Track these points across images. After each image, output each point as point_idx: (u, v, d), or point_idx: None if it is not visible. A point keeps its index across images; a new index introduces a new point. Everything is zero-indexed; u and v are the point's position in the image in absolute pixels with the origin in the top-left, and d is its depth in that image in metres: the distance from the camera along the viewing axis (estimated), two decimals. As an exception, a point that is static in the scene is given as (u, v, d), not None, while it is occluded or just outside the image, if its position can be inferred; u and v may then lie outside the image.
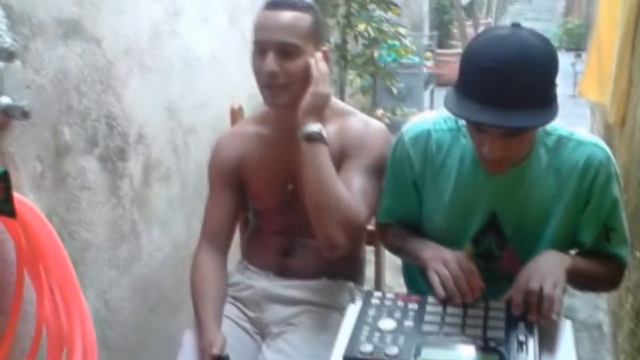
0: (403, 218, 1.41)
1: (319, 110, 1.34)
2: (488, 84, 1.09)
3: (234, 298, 1.50)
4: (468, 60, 1.15)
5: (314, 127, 1.31)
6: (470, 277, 1.20)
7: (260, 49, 1.35)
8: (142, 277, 1.83)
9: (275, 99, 1.36)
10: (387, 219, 1.42)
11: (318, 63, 1.35)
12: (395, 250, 1.46)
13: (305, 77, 1.34)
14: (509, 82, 1.08)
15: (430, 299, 1.24)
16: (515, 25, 1.15)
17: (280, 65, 1.32)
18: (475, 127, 1.18)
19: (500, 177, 1.27)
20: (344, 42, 3.85)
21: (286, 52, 1.33)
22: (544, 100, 1.12)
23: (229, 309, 1.47)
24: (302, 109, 1.32)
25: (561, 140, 1.27)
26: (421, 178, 1.35)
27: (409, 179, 1.36)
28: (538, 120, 1.12)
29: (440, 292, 1.19)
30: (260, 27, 1.36)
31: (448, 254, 1.24)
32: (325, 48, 1.40)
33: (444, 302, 1.20)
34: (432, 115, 1.37)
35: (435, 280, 1.20)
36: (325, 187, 1.30)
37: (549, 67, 1.12)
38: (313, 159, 1.31)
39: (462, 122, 1.28)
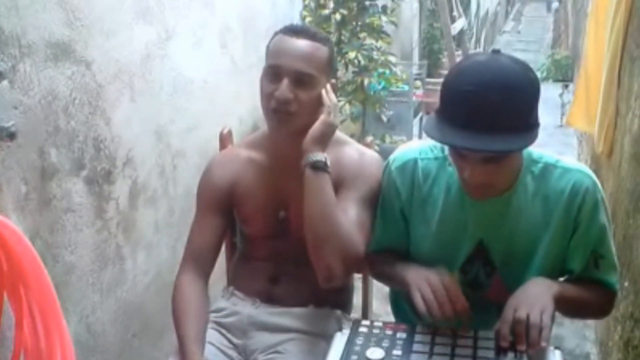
0: (392, 248, 1.40)
1: (326, 139, 1.34)
2: (466, 109, 1.10)
3: (219, 324, 1.47)
4: (448, 86, 1.15)
5: (320, 156, 1.31)
6: (453, 295, 1.17)
7: (275, 73, 1.34)
8: (126, 301, 1.80)
9: (282, 125, 1.36)
10: (376, 248, 1.41)
11: (329, 94, 1.35)
12: (382, 278, 1.45)
13: (314, 108, 1.34)
14: (486, 107, 1.08)
15: (419, 328, 1.23)
16: (495, 52, 1.17)
17: (294, 93, 1.32)
18: (456, 153, 1.19)
19: (487, 204, 1.27)
20: (335, 69, 3.87)
21: (302, 81, 1.33)
22: (523, 126, 1.12)
23: (214, 336, 1.44)
24: (311, 136, 1.32)
25: (547, 168, 1.27)
26: (408, 207, 1.35)
27: (397, 208, 1.36)
28: (514, 145, 1.12)
29: (422, 307, 1.16)
30: (278, 52, 1.35)
31: (431, 273, 1.21)
32: (333, 80, 1.41)
33: (433, 328, 1.18)
34: (418, 144, 1.37)
35: (417, 296, 1.18)
36: (326, 216, 1.29)
37: (528, 93, 1.13)
38: (316, 187, 1.30)
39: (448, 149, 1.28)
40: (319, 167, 1.30)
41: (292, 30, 1.37)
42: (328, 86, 1.37)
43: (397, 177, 1.34)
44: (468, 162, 1.16)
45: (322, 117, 1.33)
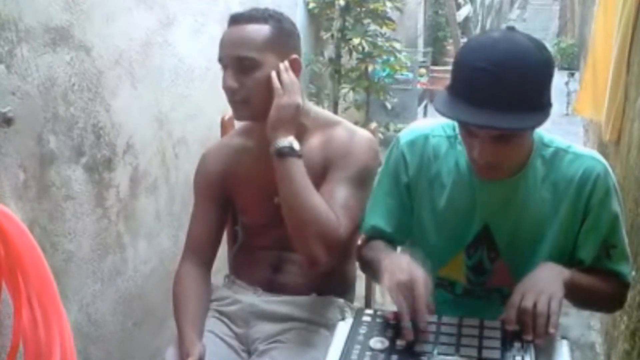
0: (390, 231, 1.33)
1: (287, 122, 1.31)
2: (478, 85, 1.07)
3: (220, 313, 1.46)
4: (460, 61, 1.12)
5: (283, 141, 1.29)
6: (419, 306, 1.09)
7: (223, 66, 1.34)
8: (126, 290, 1.79)
9: (240, 114, 1.37)
10: (371, 232, 1.34)
11: (281, 74, 1.32)
12: (363, 264, 1.38)
13: (268, 90, 1.31)
14: (499, 83, 1.05)
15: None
16: (510, 29, 1.14)
17: (238, 80, 1.31)
18: (466, 130, 1.15)
19: (495, 186, 1.24)
20: (338, 56, 3.84)
21: (243, 66, 1.31)
22: (535, 104, 1.09)
23: (216, 324, 1.43)
24: (269, 124, 1.31)
25: (558, 153, 1.24)
26: (415, 184, 1.31)
27: (403, 184, 1.32)
28: (525, 123, 1.09)
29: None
30: (220, 45, 1.36)
31: (403, 275, 1.12)
32: (294, 56, 1.36)
33: (438, 317, 1.16)
34: (430, 122, 1.34)
35: (391, 296, 1.12)
36: (301, 201, 1.27)
37: (542, 70, 1.09)
38: (286, 174, 1.29)
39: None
40: (285, 153, 1.29)
41: (232, 20, 1.36)
42: (282, 66, 1.33)
43: (407, 152, 1.31)
44: (477, 140, 1.13)
45: (274, 102, 1.30)
